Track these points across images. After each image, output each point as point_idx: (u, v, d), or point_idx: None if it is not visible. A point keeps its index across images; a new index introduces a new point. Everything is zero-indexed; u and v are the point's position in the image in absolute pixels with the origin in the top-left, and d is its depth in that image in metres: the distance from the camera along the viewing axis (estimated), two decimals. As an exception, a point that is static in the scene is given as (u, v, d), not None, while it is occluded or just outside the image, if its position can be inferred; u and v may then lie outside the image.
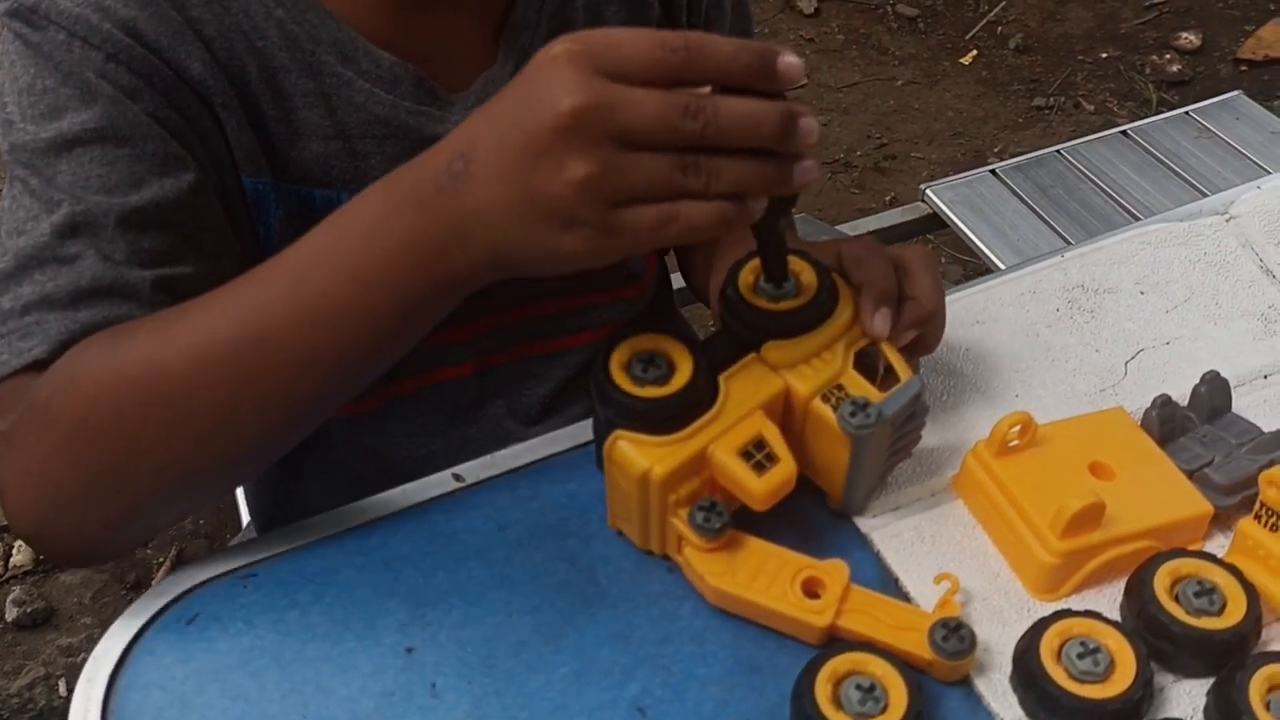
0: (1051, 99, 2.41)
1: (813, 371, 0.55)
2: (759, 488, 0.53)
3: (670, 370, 0.55)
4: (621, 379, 0.55)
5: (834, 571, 0.55)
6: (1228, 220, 0.75)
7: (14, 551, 1.68)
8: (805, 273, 0.57)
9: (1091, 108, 2.39)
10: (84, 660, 1.68)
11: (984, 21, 2.61)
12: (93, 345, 0.54)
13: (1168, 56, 2.50)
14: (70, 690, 1.52)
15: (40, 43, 0.56)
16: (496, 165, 0.44)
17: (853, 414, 0.54)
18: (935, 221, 1.47)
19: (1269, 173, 1.26)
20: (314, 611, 0.58)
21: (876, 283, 0.57)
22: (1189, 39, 2.53)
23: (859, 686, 0.50)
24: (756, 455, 0.53)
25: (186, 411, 0.52)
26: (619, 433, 0.54)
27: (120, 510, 0.55)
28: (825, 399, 0.55)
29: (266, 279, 0.51)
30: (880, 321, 0.56)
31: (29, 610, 1.59)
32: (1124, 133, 1.50)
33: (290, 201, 0.64)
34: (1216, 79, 2.44)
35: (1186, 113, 1.52)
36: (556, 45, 0.43)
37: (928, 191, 1.43)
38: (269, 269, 0.51)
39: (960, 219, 1.39)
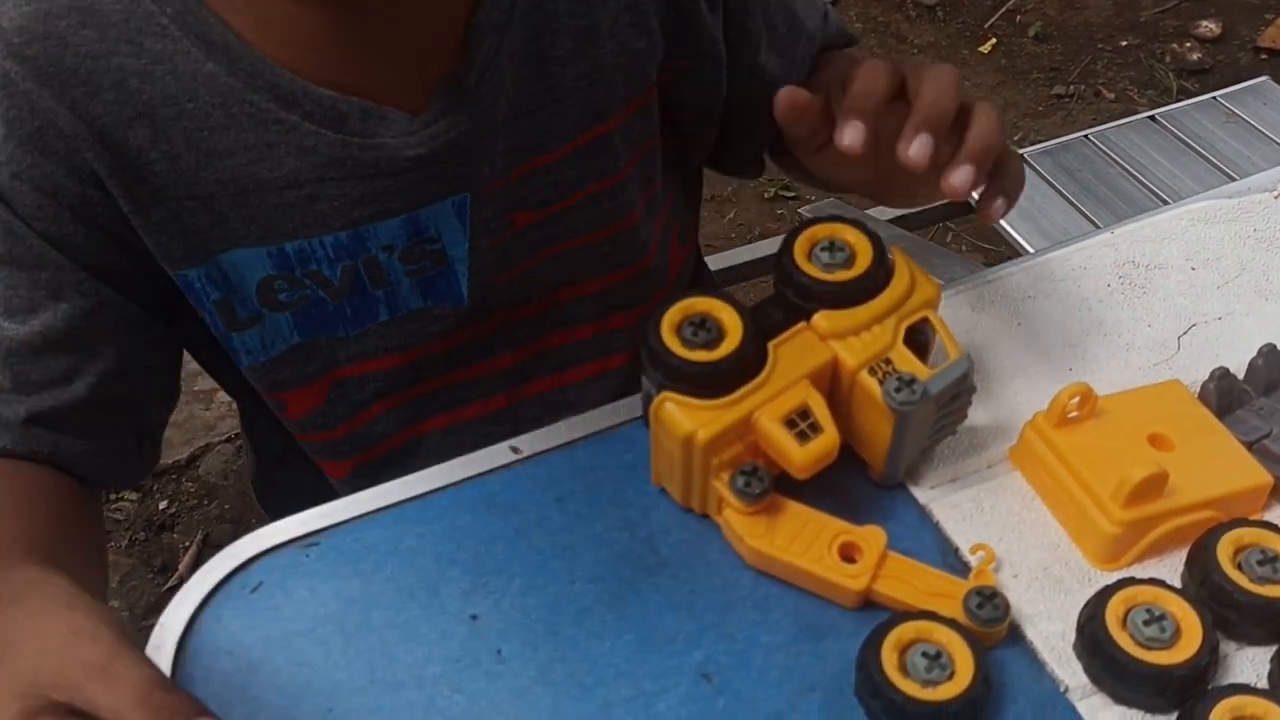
0: (1071, 87, 2.41)
1: (862, 344, 0.56)
2: (801, 457, 0.53)
3: (720, 335, 0.55)
4: (672, 341, 0.55)
5: (871, 537, 0.55)
6: (1277, 197, 0.75)
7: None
8: (861, 244, 0.57)
9: (1112, 96, 2.39)
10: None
11: (1003, 10, 2.60)
12: None
13: (1188, 45, 2.50)
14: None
15: None
16: None
17: (898, 389, 0.54)
18: (961, 206, 1.47)
19: (1300, 157, 1.26)
20: (377, 580, 0.58)
21: (925, 105, 0.54)
22: (1209, 27, 2.52)
23: (925, 654, 0.51)
24: (800, 424, 0.54)
25: None
26: (666, 394, 0.55)
27: None
28: (872, 372, 0.55)
29: None
30: (918, 148, 0.53)
31: (56, 593, 1.60)
32: (1151, 118, 1.50)
33: (233, 278, 0.63)
34: (1236, 67, 2.44)
35: (1214, 98, 1.52)
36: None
37: (955, 177, 1.43)
38: None
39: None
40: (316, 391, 0.69)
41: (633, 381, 0.63)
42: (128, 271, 0.62)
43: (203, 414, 1.86)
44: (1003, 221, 1.36)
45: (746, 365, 0.55)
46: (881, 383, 0.55)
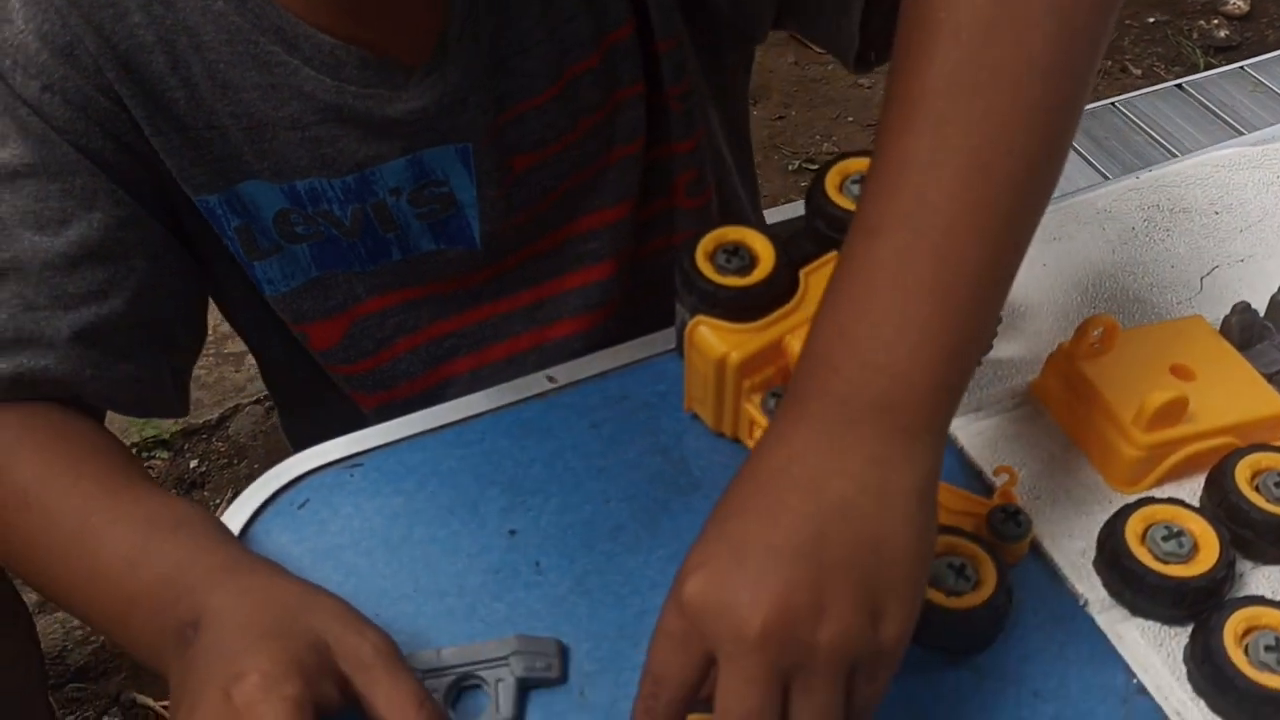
0: (1098, 63, 2.41)
1: None
2: None
3: (753, 262, 0.57)
4: (706, 267, 0.57)
5: None
6: (1301, 145, 0.76)
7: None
8: None
9: (1139, 72, 2.38)
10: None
11: (1030, -14, 2.60)
12: None
13: (1215, 21, 2.48)
14: (132, 626, 1.58)
15: None
16: (188, 666, 0.48)
17: None
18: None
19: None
20: (419, 498, 0.61)
21: None
22: (1237, 4, 2.50)
23: (950, 565, 0.52)
24: None
25: (6, 557, 0.58)
26: (700, 318, 0.57)
27: None
28: None
29: (83, 527, 0.54)
30: None
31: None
32: (1179, 86, 1.50)
33: (250, 207, 0.65)
34: (1264, 45, 2.42)
35: (1241, 67, 1.52)
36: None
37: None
38: (103, 533, 0.54)
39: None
40: (339, 325, 0.71)
41: (660, 316, 0.65)
42: (153, 194, 0.63)
43: (233, 376, 1.89)
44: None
45: (778, 291, 0.57)
46: None
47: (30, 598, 1.43)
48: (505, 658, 0.52)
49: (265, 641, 0.47)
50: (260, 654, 0.46)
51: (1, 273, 0.59)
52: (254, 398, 1.85)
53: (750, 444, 0.60)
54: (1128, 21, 2.51)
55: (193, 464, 1.78)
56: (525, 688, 0.52)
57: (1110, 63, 2.42)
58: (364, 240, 0.67)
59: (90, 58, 0.58)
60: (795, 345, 0.56)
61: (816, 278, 0.58)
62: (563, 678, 0.53)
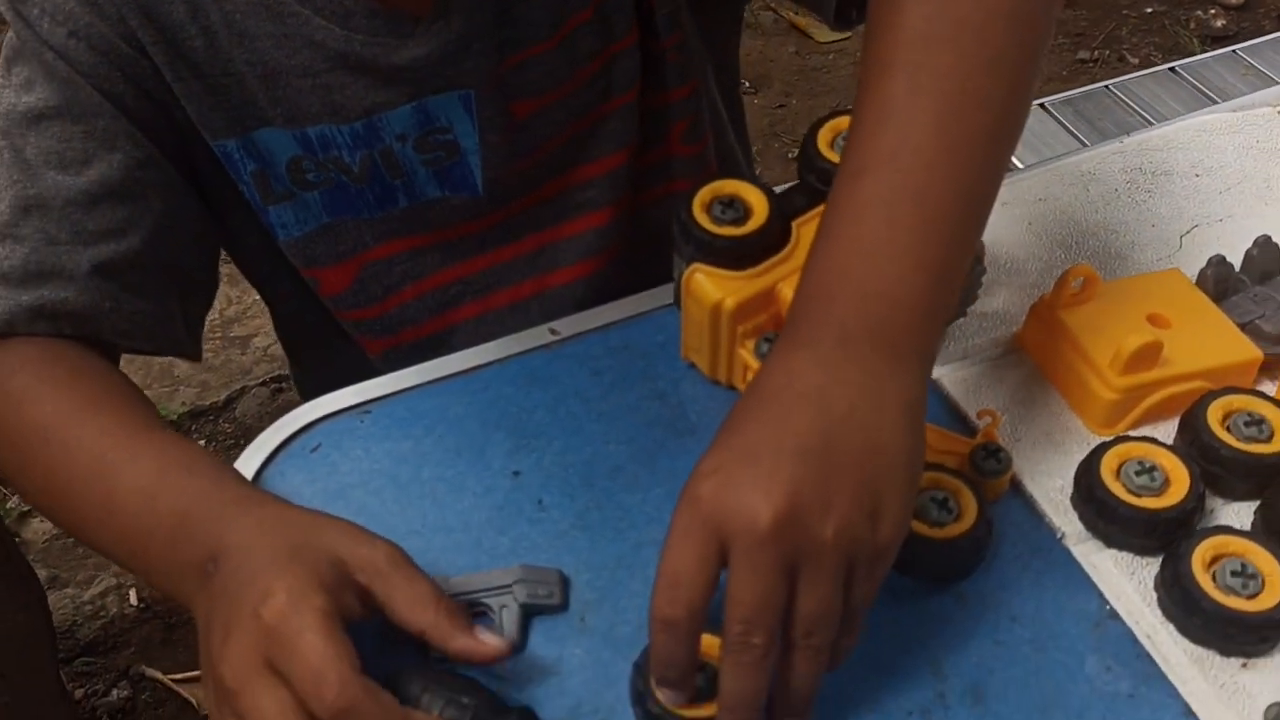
0: (1096, 52, 2.43)
1: None
2: None
3: (747, 214, 0.60)
4: (702, 218, 0.60)
5: None
6: (1279, 111, 0.79)
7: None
8: None
9: (1136, 61, 2.41)
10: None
11: (1029, -25, 2.62)
12: (18, 376, 0.60)
13: (1212, 11, 2.51)
14: (141, 600, 1.60)
15: (20, 17, 0.62)
16: (215, 595, 0.50)
17: None
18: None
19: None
20: (426, 441, 0.63)
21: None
22: (1234, -6, 2.53)
23: (934, 499, 0.55)
24: None
25: (26, 489, 0.61)
26: (696, 266, 0.59)
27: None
28: None
29: (101, 461, 0.57)
30: None
31: (99, 527, 1.66)
32: (1172, 69, 1.53)
33: (266, 153, 0.67)
34: (1260, 34, 2.44)
35: (1234, 51, 1.54)
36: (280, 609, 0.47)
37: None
38: (121, 467, 0.57)
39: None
40: (348, 270, 0.74)
41: (659, 263, 0.67)
42: (171, 140, 0.65)
43: (239, 359, 1.92)
44: (1020, 166, 1.40)
45: (771, 241, 0.60)
46: None
47: (42, 574, 1.46)
48: (509, 585, 0.55)
49: (286, 564, 0.49)
50: (283, 574, 0.48)
51: (25, 209, 0.61)
52: (260, 380, 1.88)
53: (743, 388, 0.63)
54: (1125, 11, 2.54)
55: (200, 444, 1.81)
56: (529, 614, 0.55)
57: (1108, 51, 2.45)
58: (372, 187, 0.70)
59: (114, 6, 0.61)
60: (787, 292, 0.58)
61: (808, 229, 0.60)
62: (564, 605, 0.55)
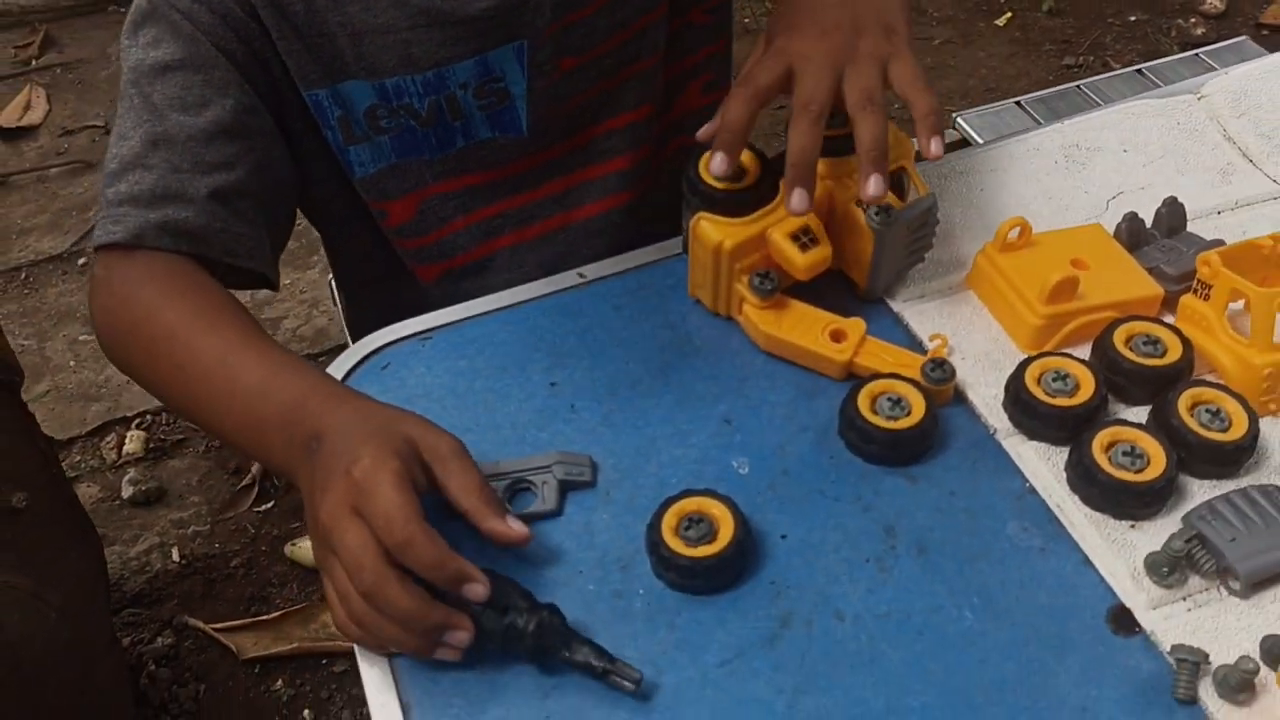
0: (1081, 58, 2.56)
1: (853, 183, 0.73)
2: (802, 261, 0.71)
3: (743, 172, 0.73)
4: (706, 175, 0.73)
5: (854, 326, 0.73)
6: (1199, 99, 0.92)
7: (126, 441, 1.88)
8: None
9: (1119, 66, 2.54)
10: (194, 532, 1.92)
11: (1019, -15, 2.76)
12: (148, 286, 0.72)
13: (1193, 20, 2.64)
14: (183, 556, 1.72)
15: None
16: (318, 466, 0.62)
17: (877, 214, 0.72)
18: (964, 145, 1.64)
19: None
20: (478, 361, 0.77)
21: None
22: (1213, 4, 2.66)
23: (889, 399, 0.68)
24: (803, 239, 0.72)
25: (154, 383, 0.73)
26: (701, 214, 0.73)
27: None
28: (859, 204, 0.73)
29: (223, 360, 0.69)
30: (935, 146, 0.69)
31: (143, 489, 1.77)
32: (1139, 71, 1.66)
33: (349, 101, 0.80)
34: (1239, 42, 2.58)
35: (1197, 54, 1.68)
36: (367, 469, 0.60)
37: (958, 119, 1.60)
38: (240, 366, 0.69)
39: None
40: (411, 204, 0.88)
41: (670, 206, 0.79)
42: (269, 92, 0.79)
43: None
44: (977, 137, 1.53)
45: (763, 194, 0.73)
46: (864, 211, 0.72)
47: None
48: (549, 466, 0.68)
49: (372, 439, 0.61)
50: (369, 446, 0.61)
51: (154, 143, 0.74)
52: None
53: (740, 319, 0.76)
54: (1110, 20, 2.67)
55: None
56: (565, 489, 0.68)
57: (1093, 58, 2.58)
58: (435, 129, 0.83)
59: None
60: (775, 235, 0.72)
61: None
62: (593, 483, 0.69)
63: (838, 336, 0.73)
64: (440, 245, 0.90)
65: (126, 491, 1.78)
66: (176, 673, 1.58)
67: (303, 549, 1.68)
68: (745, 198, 0.73)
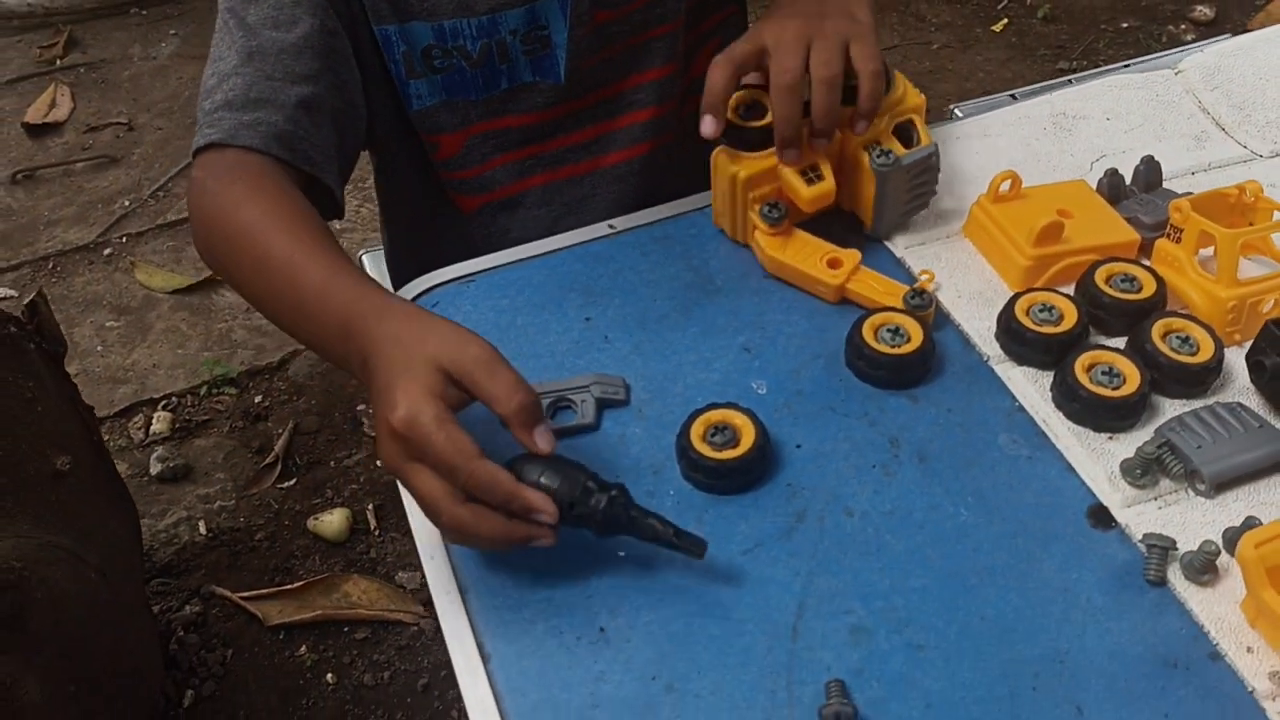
0: (1074, 63, 2.64)
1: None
2: (807, 193, 0.79)
3: (765, 111, 0.81)
4: (732, 116, 0.80)
5: (850, 255, 0.82)
6: (1177, 73, 1.00)
7: (153, 421, 1.95)
8: None
9: (1110, 70, 2.62)
10: (220, 507, 1.98)
11: (1014, -8, 2.85)
12: (237, 183, 0.77)
13: (1183, 27, 2.73)
14: (210, 530, 1.79)
15: None
16: (371, 397, 0.66)
17: (879, 157, 0.80)
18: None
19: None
20: (519, 300, 0.84)
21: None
22: (1204, 11, 2.75)
23: (889, 329, 0.76)
24: (810, 175, 0.79)
25: (235, 277, 0.78)
26: (720, 148, 0.81)
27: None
28: (866, 150, 0.81)
29: (290, 259, 0.73)
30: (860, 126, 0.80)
31: (171, 466, 1.83)
32: (1126, 65, 1.74)
33: (412, 39, 0.88)
34: (1227, 47, 2.67)
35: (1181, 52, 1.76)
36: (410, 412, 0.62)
37: (955, 110, 1.68)
38: (304, 268, 0.72)
39: (983, 133, 1.63)
40: (459, 139, 0.95)
41: (681, 157, 0.86)
42: (347, 19, 0.85)
43: (294, 323, 2.11)
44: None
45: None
46: (869, 154, 0.80)
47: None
48: (587, 385, 0.76)
49: (402, 377, 0.64)
50: (401, 387, 0.63)
51: (249, 55, 0.81)
52: (313, 341, 2.07)
53: (752, 244, 0.84)
54: (1103, 26, 2.76)
55: (257, 399, 1.99)
56: (601, 406, 0.76)
57: (1086, 63, 2.66)
58: (483, 70, 0.91)
59: None
60: (784, 169, 0.80)
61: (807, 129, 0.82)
62: (627, 401, 0.76)
63: (834, 264, 0.81)
64: (481, 179, 0.98)
65: (155, 469, 1.84)
66: (204, 638, 1.63)
67: (324, 523, 1.74)
68: (760, 135, 0.80)
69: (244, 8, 0.83)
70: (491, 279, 0.86)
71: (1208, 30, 2.72)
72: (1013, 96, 1.79)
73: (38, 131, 2.53)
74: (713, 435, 0.70)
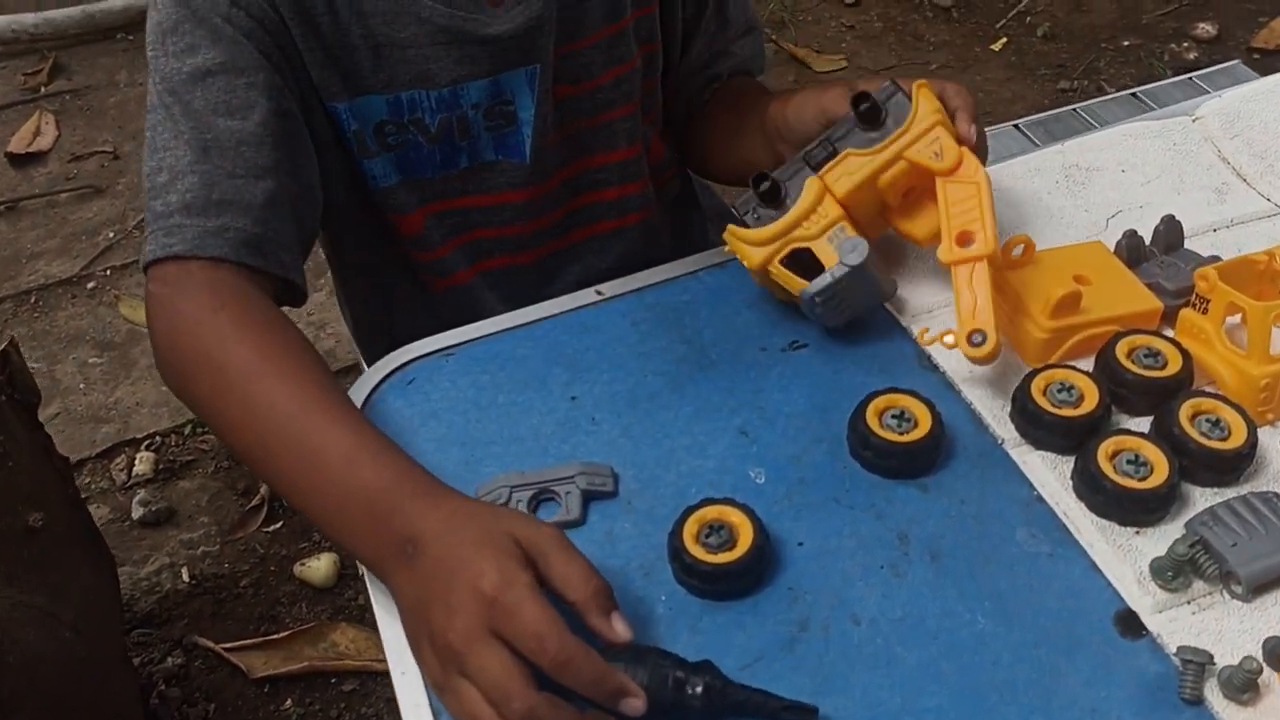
0: (1076, 83, 2.60)
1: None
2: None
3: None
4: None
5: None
6: (1194, 120, 0.95)
7: (135, 462, 1.90)
8: None
9: (1113, 90, 2.58)
10: (204, 553, 1.94)
11: (1014, 11, 2.80)
12: (219, 312, 0.69)
13: (1185, 45, 2.68)
14: (193, 576, 1.74)
15: None
16: (427, 576, 0.60)
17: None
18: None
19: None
20: (500, 375, 0.79)
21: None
22: (1206, 29, 2.71)
23: (894, 415, 0.71)
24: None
25: (216, 419, 0.70)
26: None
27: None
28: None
29: (297, 417, 0.66)
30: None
31: (153, 509, 1.79)
32: (1134, 94, 1.69)
33: (365, 114, 0.82)
34: (1231, 66, 2.63)
35: (1190, 78, 1.71)
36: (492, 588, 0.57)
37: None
38: (323, 430, 0.66)
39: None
40: (418, 218, 0.89)
41: (646, 239, 0.82)
42: (299, 99, 0.79)
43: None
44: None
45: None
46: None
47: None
48: (572, 476, 0.70)
49: (485, 548, 0.59)
50: (487, 557, 0.58)
51: (204, 150, 0.73)
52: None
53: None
54: (1103, 44, 2.71)
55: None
56: (587, 499, 0.70)
57: (1087, 82, 2.62)
58: (441, 148, 0.85)
59: None
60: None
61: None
62: (615, 492, 0.71)
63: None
64: (442, 263, 0.93)
65: (137, 513, 1.80)
66: (187, 692, 1.58)
67: (311, 568, 1.69)
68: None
69: (187, 90, 0.75)
70: (471, 352, 0.81)
71: (1209, 48, 2.68)
72: (1016, 126, 1.74)
73: (21, 161, 2.48)
74: (707, 535, 0.65)
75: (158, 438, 1.92)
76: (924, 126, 0.75)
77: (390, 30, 0.80)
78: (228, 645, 1.61)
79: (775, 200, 0.76)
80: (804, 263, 0.75)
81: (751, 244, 0.76)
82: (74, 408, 1.98)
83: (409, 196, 0.88)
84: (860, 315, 0.79)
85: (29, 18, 2.74)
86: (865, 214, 0.77)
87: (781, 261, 0.75)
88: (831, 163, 0.76)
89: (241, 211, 0.73)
